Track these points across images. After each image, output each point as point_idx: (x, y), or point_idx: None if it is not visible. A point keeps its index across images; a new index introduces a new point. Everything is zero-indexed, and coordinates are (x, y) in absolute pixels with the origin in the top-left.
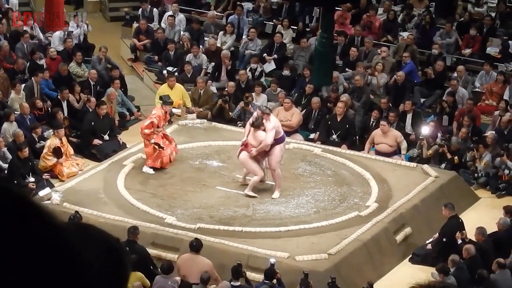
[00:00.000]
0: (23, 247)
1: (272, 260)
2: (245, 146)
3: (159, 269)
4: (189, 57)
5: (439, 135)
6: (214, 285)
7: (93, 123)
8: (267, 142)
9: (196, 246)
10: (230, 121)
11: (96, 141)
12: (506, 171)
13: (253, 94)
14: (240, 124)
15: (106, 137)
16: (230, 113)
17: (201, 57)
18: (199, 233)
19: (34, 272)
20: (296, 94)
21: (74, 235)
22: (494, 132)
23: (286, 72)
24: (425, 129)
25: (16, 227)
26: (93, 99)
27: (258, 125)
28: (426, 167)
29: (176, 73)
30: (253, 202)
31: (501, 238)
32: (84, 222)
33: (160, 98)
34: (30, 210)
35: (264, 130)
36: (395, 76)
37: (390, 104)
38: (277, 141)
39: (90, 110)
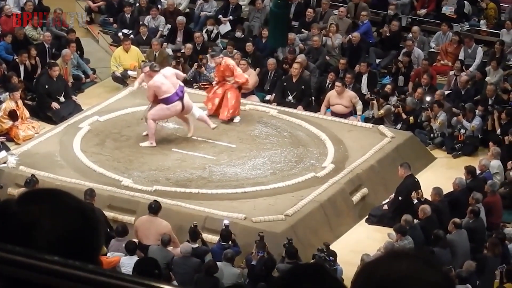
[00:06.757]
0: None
1: (226, 222)
2: None
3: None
4: (147, 19)
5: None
6: (172, 247)
7: (47, 86)
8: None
9: (154, 208)
10: (185, 83)
11: (54, 105)
12: (462, 131)
13: (207, 55)
14: (195, 86)
15: (62, 98)
16: (185, 74)
17: (159, 19)
18: (156, 195)
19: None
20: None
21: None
22: (443, 90)
23: (238, 34)
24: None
25: None
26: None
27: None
28: (382, 127)
29: (131, 36)
30: (209, 164)
31: (457, 198)
32: (59, 189)
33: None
34: None
35: None
36: (350, 36)
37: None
38: (163, 100)
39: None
